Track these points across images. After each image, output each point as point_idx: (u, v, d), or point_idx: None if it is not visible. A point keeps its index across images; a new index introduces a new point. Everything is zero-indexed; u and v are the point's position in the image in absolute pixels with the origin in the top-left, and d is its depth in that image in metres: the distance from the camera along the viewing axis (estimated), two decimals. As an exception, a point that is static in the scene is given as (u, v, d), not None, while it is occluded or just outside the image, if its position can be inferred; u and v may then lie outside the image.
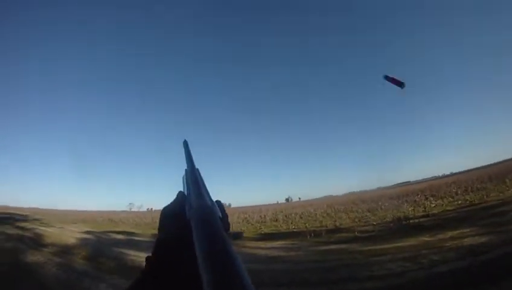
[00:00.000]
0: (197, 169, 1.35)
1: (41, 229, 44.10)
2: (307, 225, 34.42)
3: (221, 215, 0.99)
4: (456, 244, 15.13)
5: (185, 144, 1.57)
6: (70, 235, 38.79)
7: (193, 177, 1.20)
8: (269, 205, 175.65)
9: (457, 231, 18.13)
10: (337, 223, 32.83)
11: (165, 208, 1.24)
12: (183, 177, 1.37)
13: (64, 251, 25.57)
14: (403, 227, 23.77)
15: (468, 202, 31.08)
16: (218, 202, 1.15)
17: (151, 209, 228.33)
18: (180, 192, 1.28)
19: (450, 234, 17.94)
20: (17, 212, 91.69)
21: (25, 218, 67.81)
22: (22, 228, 43.28)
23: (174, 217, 1.14)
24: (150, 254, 1.08)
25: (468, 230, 17.97)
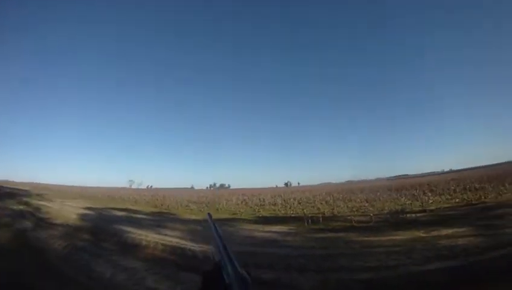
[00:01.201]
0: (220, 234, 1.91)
1: (41, 204, 44.86)
2: (305, 210, 34.66)
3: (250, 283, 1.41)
4: (450, 243, 15.37)
5: (209, 217, 2.12)
6: (71, 210, 39.23)
7: (225, 251, 1.64)
8: (268, 188, 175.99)
9: (453, 230, 18.33)
10: (335, 211, 33.20)
11: (204, 272, 1.64)
12: (211, 249, 1.96)
13: (65, 226, 26.01)
14: (399, 220, 24.01)
15: (465, 201, 31.20)
16: (246, 271, 1.53)
17: (151, 186, 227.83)
18: (215, 262, 1.70)
19: (445, 231, 18.15)
20: (19, 187, 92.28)
21: (26, 193, 68.36)
22: (24, 203, 43.89)
23: (214, 281, 1.54)
24: None
25: (463, 229, 18.17)
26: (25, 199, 52.16)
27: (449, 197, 35.90)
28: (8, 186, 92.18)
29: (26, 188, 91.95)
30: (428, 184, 60.16)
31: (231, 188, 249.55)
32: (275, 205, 48.93)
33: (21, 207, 38.64)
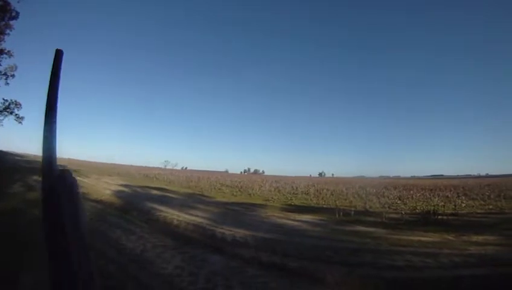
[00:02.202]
0: None
1: (77, 179, 46.63)
2: (337, 202, 34.85)
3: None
4: (479, 250, 15.32)
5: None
6: (106, 187, 41.02)
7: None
8: (302, 177, 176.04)
9: (483, 237, 18.18)
10: (367, 206, 33.32)
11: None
12: None
13: (98, 201, 27.39)
14: (430, 221, 23.91)
15: (498, 208, 30.82)
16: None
17: (185, 168, 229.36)
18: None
19: (475, 238, 18.03)
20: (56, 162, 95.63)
21: (62, 168, 71.28)
22: None
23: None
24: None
25: (493, 238, 18.00)
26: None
27: (482, 202, 35.37)
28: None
29: (64, 163, 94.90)
30: (463, 187, 58.84)
31: (265, 174, 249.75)
32: (307, 194, 49.16)
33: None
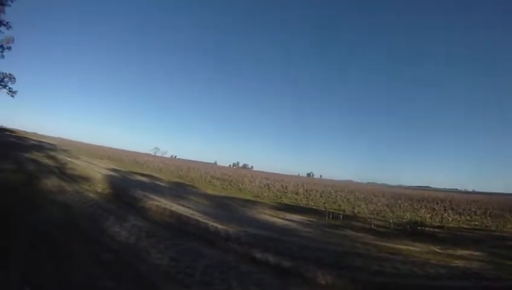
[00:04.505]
0: None
1: (68, 160, 47.13)
2: (326, 205, 35.18)
3: None
4: (463, 264, 15.72)
5: None
6: (97, 170, 41.18)
7: None
8: (290, 175, 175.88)
9: (468, 252, 18.57)
10: (356, 211, 33.79)
11: None
12: None
13: (91, 185, 27.54)
14: (417, 231, 24.23)
15: (484, 225, 31.13)
16: None
17: (175, 156, 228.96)
18: None
19: (460, 252, 18.40)
20: (46, 140, 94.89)
21: (53, 147, 71.56)
22: (51, 157, 45.97)
23: None
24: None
25: (478, 253, 18.34)
26: (52, 153, 55.05)
27: (469, 218, 35.94)
28: (37, 139, 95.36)
29: (54, 142, 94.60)
30: (449, 201, 59.08)
31: (254, 169, 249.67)
32: (297, 193, 49.78)
33: (48, 161, 40.71)
